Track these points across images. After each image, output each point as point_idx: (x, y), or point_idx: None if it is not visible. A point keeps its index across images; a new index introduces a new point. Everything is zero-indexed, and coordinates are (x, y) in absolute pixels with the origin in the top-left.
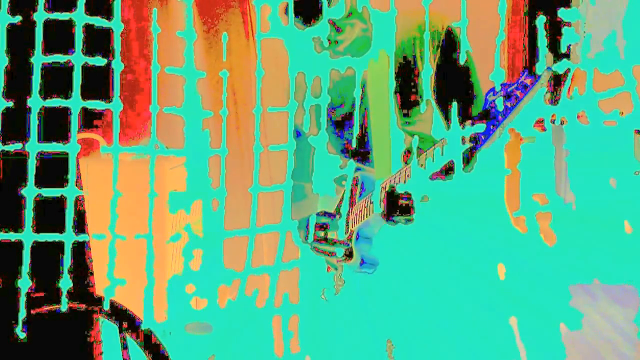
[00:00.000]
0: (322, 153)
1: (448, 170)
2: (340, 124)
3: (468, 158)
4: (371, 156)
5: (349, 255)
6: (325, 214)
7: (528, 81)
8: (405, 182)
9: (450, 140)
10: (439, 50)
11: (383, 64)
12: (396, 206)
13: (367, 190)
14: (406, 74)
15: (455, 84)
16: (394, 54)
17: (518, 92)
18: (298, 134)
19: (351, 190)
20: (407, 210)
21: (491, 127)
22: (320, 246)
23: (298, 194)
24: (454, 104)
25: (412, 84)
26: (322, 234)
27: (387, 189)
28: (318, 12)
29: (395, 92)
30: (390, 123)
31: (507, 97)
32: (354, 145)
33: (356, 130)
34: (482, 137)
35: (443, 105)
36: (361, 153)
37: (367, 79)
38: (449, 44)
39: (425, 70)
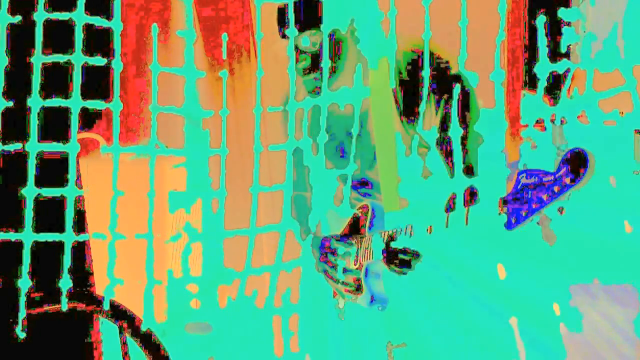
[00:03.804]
0: (316, 162)
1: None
2: (340, 153)
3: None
4: (374, 184)
5: (358, 289)
6: (338, 239)
7: (567, 180)
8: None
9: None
10: (445, 101)
11: (386, 96)
12: (395, 259)
13: (377, 219)
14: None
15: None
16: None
17: (556, 187)
18: None
19: (361, 218)
20: (407, 264)
21: (523, 213)
22: (330, 271)
23: (299, 203)
24: (456, 156)
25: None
26: (333, 259)
27: (385, 240)
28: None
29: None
30: (396, 152)
31: (540, 185)
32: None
33: (355, 158)
34: (512, 220)
35: (446, 153)
36: (362, 183)
37: (367, 110)
38: (456, 94)
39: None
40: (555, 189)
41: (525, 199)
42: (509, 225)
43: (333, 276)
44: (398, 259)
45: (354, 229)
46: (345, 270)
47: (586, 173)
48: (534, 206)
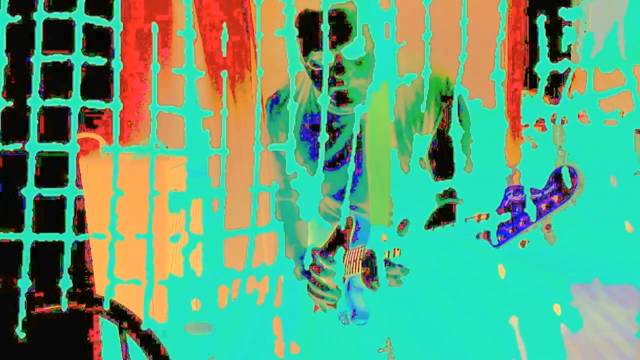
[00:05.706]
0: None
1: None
2: (333, 166)
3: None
4: (363, 200)
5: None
6: (322, 254)
7: (556, 198)
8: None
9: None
10: (443, 115)
11: (383, 117)
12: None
13: (362, 232)
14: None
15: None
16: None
17: (544, 205)
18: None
19: (345, 231)
20: (395, 278)
21: (510, 230)
22: (314, 288)
23: (286, 209)
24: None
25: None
26: (316, 275)
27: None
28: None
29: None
30: (390, 170)
31: (527, 202)
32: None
33: (351, 174)
34: (499, 237)
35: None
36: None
37: (365, 122)
38: (455, 111)
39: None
40: (543, 206)
41: (512, 216)
42: (495, 243)
43: (315, 292)
44: (385, 273)
45: (337, 242)
46: (327, 288)
47: (575, 192)
48: (521, 224)
